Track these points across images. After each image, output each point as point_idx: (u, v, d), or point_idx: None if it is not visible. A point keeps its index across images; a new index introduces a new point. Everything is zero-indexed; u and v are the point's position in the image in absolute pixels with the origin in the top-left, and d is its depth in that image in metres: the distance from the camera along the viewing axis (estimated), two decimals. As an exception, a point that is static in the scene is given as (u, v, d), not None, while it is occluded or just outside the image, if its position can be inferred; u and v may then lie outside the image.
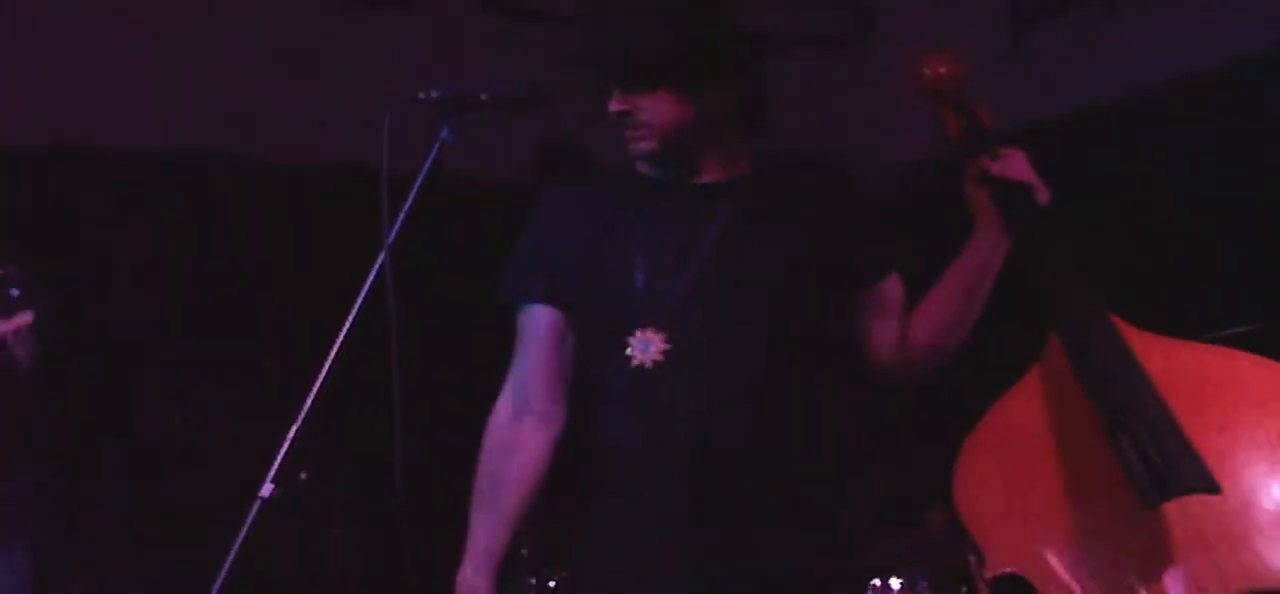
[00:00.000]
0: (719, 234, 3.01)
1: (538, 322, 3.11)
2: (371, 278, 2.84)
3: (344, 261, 3.09)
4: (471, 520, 3.08)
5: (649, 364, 2.96)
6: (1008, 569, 2.88)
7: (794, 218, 3.05)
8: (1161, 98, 5.24)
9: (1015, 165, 3.07)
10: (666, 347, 2.96)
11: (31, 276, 3.74)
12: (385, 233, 2.84)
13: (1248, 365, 3.01)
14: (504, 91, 2.97)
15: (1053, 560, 2.87)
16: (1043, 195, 3.06)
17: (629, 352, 2.97)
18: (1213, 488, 2.79)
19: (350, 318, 2.82)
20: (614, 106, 3.01)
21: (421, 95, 2.92)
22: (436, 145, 2.91)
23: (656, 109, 2.99)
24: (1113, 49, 5.41)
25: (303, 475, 2.75)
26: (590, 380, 3.08)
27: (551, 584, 4.78)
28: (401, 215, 2.86)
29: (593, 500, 3.05)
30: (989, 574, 2.90)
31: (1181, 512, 2.82)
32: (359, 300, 2.83)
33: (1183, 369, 2.96)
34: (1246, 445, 2.89)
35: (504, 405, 3.13)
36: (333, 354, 2.81)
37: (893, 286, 3.14)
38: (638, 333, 2.97)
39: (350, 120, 4.59)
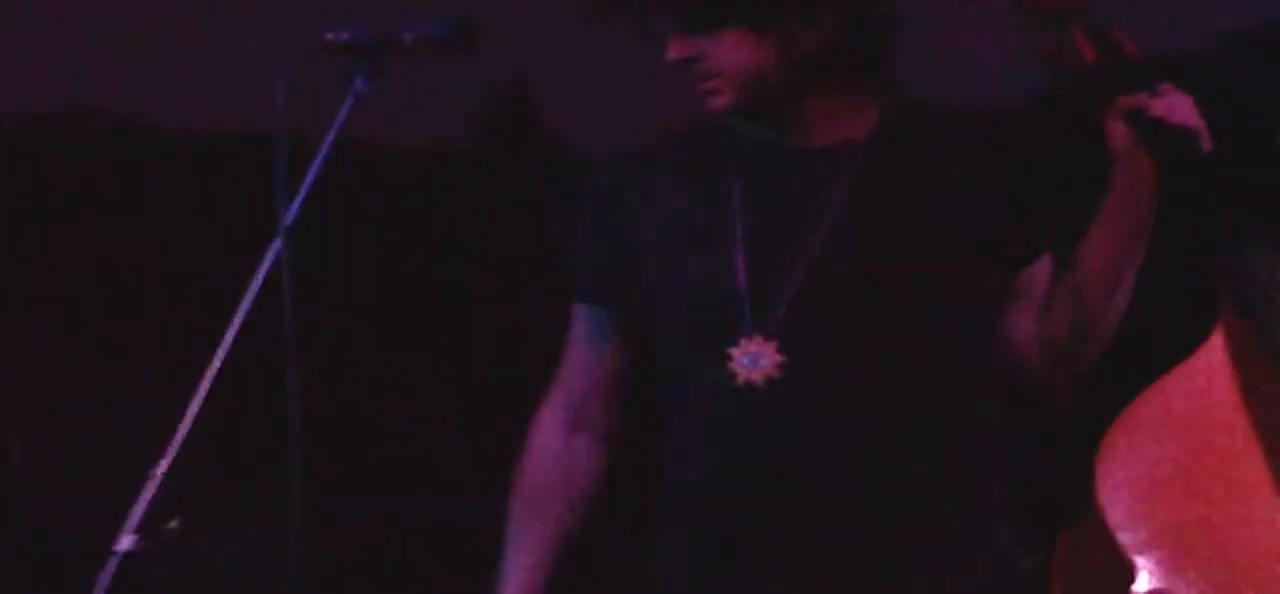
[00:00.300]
0: (839, 213, 2.83)
1: (591, 322, 2.99)
2: (265, 267, 2.71)
3: (236, 247, 2.96)
4: (509, 553, 3.00)
5: (760, 382, 2.79)
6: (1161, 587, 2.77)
7: (933, 187, 2.86)
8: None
9: (1178, 106, 2.80)
10: (781, 359, 2.79)
11: None
12: (282, 211, 2.72)
13: None
14: (431, 31, 2.83)
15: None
16: (1207, 147, 2.84)
17: (732, 366, 2.80)
18: None
19: (238, 319, 2.71)
20: (673, 53, 2.82)
21: (329, 36, 2.78)
22: (348, 100, 2.78)
23: (728, 53, 2.80)
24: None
25: (173, 523, 2.66)
26: (672, 401, 2.93)
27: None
28: (304, 189, 2.73)
29: (672, 549, 2.94)
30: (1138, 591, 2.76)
31: None
32: (248, 297, 2.71)
33: None
34: None
35: (551, 417, 3.03)
36: (215, 365, 2.69)
37: (1042, 269, 2.91)
38: (742, 342, 2.81)
39: (245, 76, 4.63)
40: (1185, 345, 2.90)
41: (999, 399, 2.91)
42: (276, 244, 2.71)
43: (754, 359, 2.79)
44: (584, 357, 3.02)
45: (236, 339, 2.69)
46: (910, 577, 2.82)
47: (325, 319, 2.77)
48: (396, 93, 2.99)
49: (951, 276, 2.84)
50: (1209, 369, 2.85)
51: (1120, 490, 2.83)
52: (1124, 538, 2.79)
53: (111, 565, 2.60)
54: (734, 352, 2.79)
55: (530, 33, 2.99)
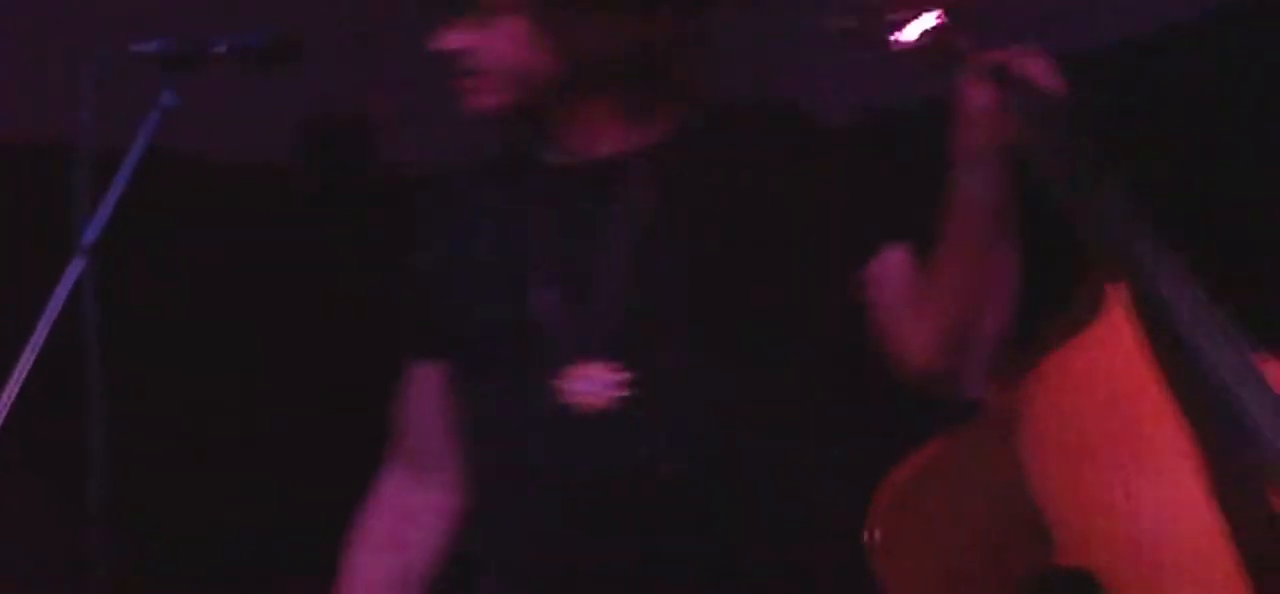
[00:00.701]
0: (641, 223, 2.84)
1: (425, 376, 3.03)
2: (65, 290, 2.71)
3: (33, 268, 2.96)
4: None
5: (605, 405, 2.81)
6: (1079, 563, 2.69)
7: (749, 185, 2.87)
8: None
9: (1036, 65, 2.71)
10: (624, 376, 2.81)
11: None
12: (83, 231, 2.72)
13: None
14: (247, 42, 2.86)
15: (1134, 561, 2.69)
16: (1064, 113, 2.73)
17: (565, 395, 2.82)
18: None
19: (35, 345, 2.70)
20: (447, 44, 2.84)
21: (136, 47, 2.80)
22: (154, 115, 2.79)
23: (503, 47, 2.82)
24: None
25: None
26: (488, 441, 2.95)
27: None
28: (107, 208, 2.73)
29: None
30: (1057, 561, 2.69)
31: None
32: (46, 321, 2.70)
33: None
34: None
35: (393, 475, 3.07)
36: (11, 390, 2.68)
37: (891, 267, 2.89)
38: (572, 369, 2.82)
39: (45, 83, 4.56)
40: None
41: (840, 394, 2.92)
42: (76, 264, 2.70)
43: (590, 384, 2.82)
44: (415, 413, 3.06)
45: (36, 361, 2.68)
46: (761, 579, 2.84)
47: (130, 347, 2.80)
48: (218, 106, 3.07)
49: (765, 277, 2.84)
50: (1111, 341, 2.72)
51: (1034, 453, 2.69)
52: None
53: None
54: (562, 379, 2.82)
55: (363, 47, 3.02)
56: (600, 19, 2.80)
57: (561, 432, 2.83)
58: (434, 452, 3.04)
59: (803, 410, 2.88)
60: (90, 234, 2.71)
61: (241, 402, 4.90)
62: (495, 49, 2.81)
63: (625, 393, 2.80)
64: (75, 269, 2.71)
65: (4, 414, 2.66)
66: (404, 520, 3.06)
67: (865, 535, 2.71)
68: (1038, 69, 2.70)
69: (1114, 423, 2.72)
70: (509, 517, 2.91)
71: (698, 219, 2.85)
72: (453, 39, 2.83)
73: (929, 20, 2.79)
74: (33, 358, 2.68)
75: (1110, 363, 2.71)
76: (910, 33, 2.80)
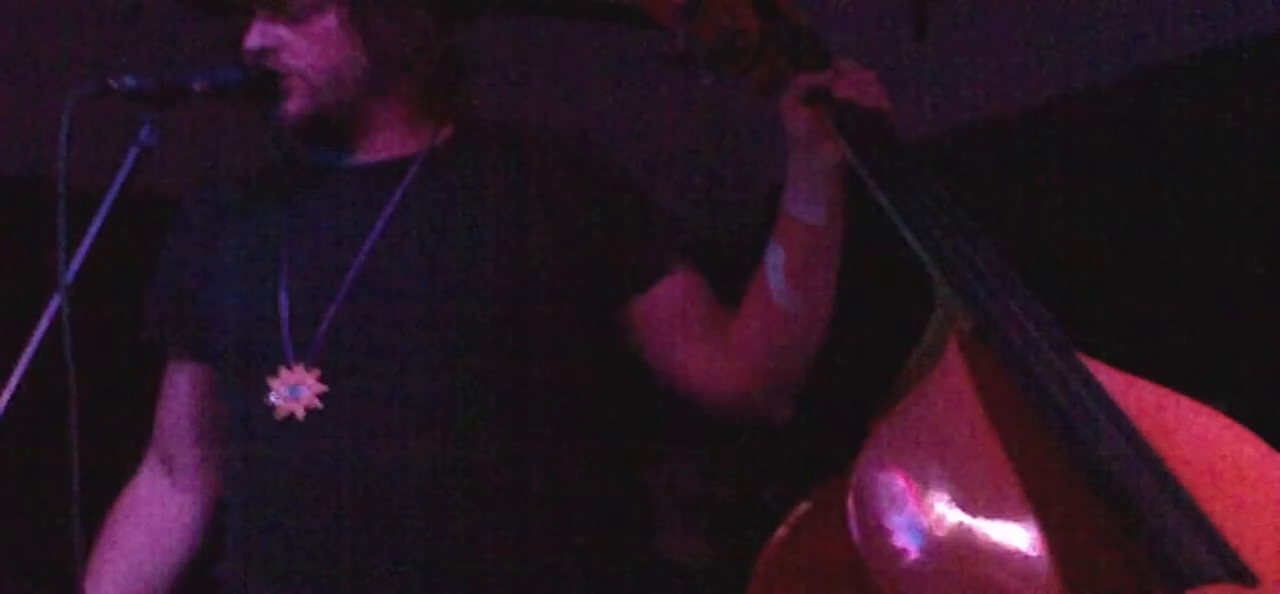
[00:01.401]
0: (386, 228, 2.82)
1: (177, 375, 3.04)
2: (42, 329, 2.67)
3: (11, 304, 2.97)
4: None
5: (300, 413, 2.77)
6: None
7: (504, 201, 2.85)
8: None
9: (864, 84, 2.69)
10: (322, 388, 2.77)
11: None
12: (61, 269, 2.65)
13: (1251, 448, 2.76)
14: (227, 78, 2.82)
15: None
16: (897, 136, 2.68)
17: (271, 399, 2.79)
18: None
19: (16, 376, 2.65)
20: (252, 41, 2.81)
21: (113, 83, 2.73)
22: (132, 153, 2.74)
23: (314, 45, 2.80)
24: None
25: None
26: (227, 440, 2.94)
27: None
28: (85, 245, 2.68)
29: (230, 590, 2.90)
30: None
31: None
32: (23, 361, 2.66)
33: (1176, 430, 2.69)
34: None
35: (144, 476, 3.07)
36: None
37: (673, 294, 2.86)
38: (282, 373, 2.79)
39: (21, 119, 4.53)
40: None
41: (578, 414, 2.87)
42: (55, 302, 2.65)
43: (294, 390, 2.79)
44: (171, 408, 3.06)
45: (13, 397, 2.64)
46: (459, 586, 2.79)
47: (107, 384, 2.77)
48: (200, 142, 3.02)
49: (509, 296, 2.81)
50: (958, 382, 2.65)
51: (884, 501, 2.60)
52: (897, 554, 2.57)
53: None
54: (273, 382, 2.79)
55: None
56: (407, 18, 2.83)
57: (267, 436, 2.80)
58: (183, 453, 3.04)
59: (518, 422, 2.81)
60: (68, 271, 2.65)
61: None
62: (308, 48, 2.80)
63: (318, 403, 2.77)
64: (53, 306, 2.66)
65: None
66: (147, 522, 3.03)
67: None
68: (862, 88, 2.67)
69: (956, 469, 2.64)
70: (237, 512, 2.89)
71: (441, 226, 2.83)
72: (255, 37, 2.81)
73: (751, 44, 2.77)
74: (9, 395, 2.64)
75: (948, 409, 2.65)
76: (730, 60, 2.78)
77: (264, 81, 2.80)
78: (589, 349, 2.88)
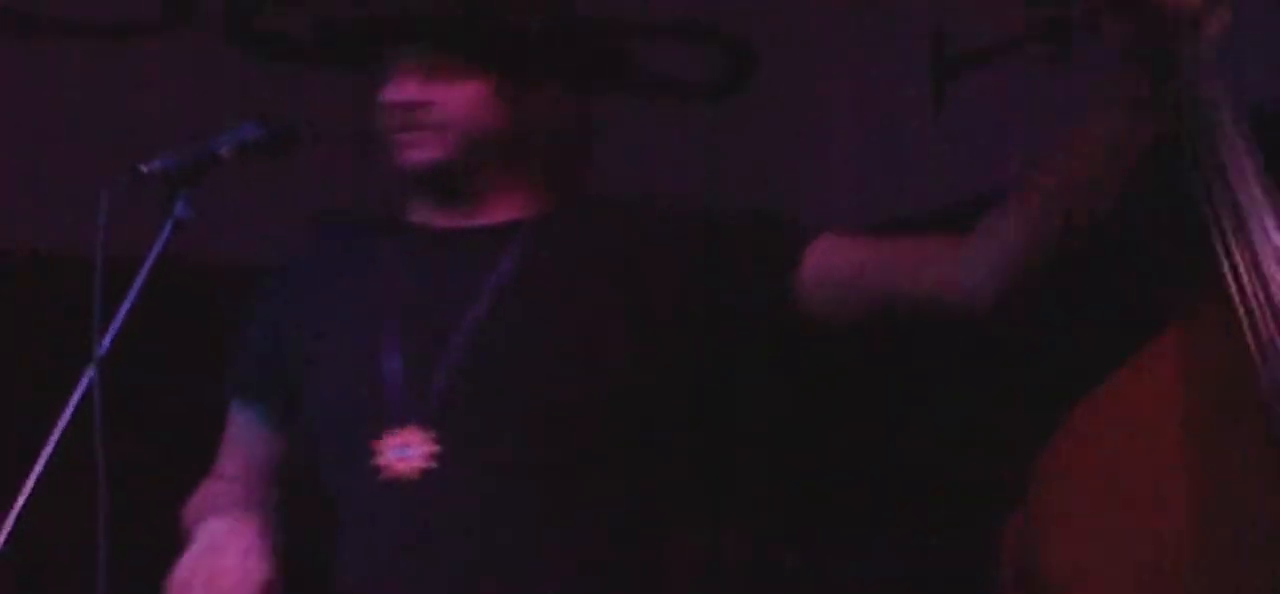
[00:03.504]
0: (499, 290, 2.86)
1: (248, 423, 3.03)
2: (76, 399, 2.70)
3: (49, 378, 2.94)
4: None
5: (411, 474, 2.80)
6: None
7: (615, 266, 2.89)
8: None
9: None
10: (434, 449, 2.80)
11: None
12: (95, 344, 2.70)
13: None
14: (250, 136, 2.87)
15: None
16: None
17: (379, 460, 2.81)
18: None
19: (49, 448, 2.68)
20: (400, 94, 2.87)
21: (144, 169, 2.78)
22: (167, 227, 2.79)
23: (461, 106, 2.85)
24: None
25: None
26: (333, 501, 2.93)
27: None
28: (119, 317, 2.72)
29: None
30: None
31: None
32: (60, 426, 2.69)
33: None
34: None
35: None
36: (23, 496, 2.66)
37: (836, 255, 2.83)
38: (391, 434, 2.81)
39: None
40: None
41: (684, 457, 2.92)
42: (88, 374, 2.69)
43: (402, 450, 2.81)
44: (234, 452, 3.04)
45: (46, 467, 2.67)
46: None
47: (140, 457, 2.79)
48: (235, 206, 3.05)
49: (622, 350, 2.85)
50: (1156, 371, 2.67)
51: (1060, 508, 2.65)
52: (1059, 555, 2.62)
53: None
54: (379, 444, 2.82)
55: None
56: (550, 96, 2.89)
57: (375, 497, 2.83)
58: (245, 491, 2.98)
59: (623, 481, 2.85)
60: (102, 345, 2.70)
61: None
62: (455, 108, 2.84)
63: (432, 463, 2.80)
64: (86, 379, 2.69)
65: (12, 524, 2.66)
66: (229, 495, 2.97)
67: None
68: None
69: (1131, 461, 2.65)
70: (345, 571, 2.89)
71: (555, 290, 2.87)
72: (406, 90, 2.86)
73: None
74: (42, 466, 2.67)
75: (1141, 396, 2.66)
76: None
77: (286, 135, 2.88)
78: (692, 415, 2.92)
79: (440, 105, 2.84)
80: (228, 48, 5.50)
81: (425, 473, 2.79)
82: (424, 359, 2.84)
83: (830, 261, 2.82)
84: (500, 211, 2.92)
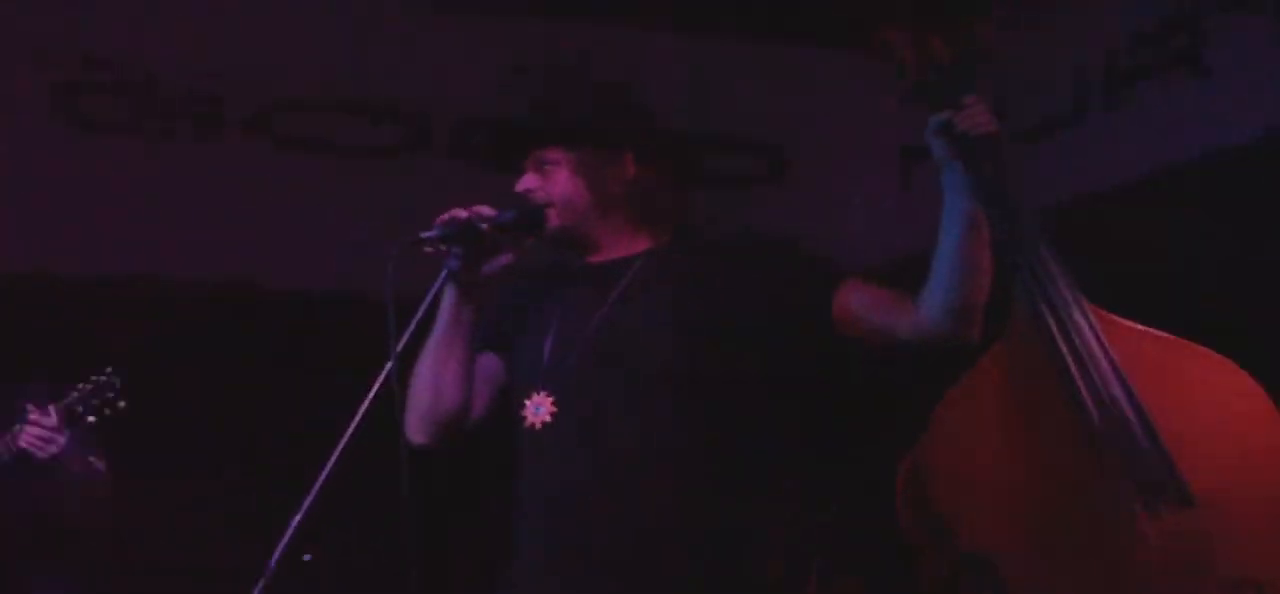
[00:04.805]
0: (611, 307, 2.82)
1: (484, 362, 2.96)
2: (377, 384, 2.69)
3: (335, 381, 3.01)
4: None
5: (539, 426, 2.80)
6: (977, 549, 2.64)
7: (694, 283, 2.81)
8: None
9: (978, 115, 2.61)
10: (554, 409, 2.79)
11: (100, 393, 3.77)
12: (392, 360, 2.70)
13: (1204, 359, 2.69)
14: (506, 219, 2.81)
15: (1021, 547, 2.62)
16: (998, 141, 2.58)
17: (524, 413, 2.82)
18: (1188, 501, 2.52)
19: (350, 431, 2.68)
20: (524, 184, 2.85)
21: (423, 235, 2.76)
22: (443, 275, 2.78)
23: (558, 185, 2.82)
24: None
25: (306, 557, 2.72)
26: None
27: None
28: (409, 330, 2.73)
29: (506, 552, 2.89)
30: (961, 550, 2.65)
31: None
32: (358, 416, 2.68)
33: (1142, 356, 2.64)
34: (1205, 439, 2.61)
35: None
36: (340, 447, 2.68)
37: (853, 297, 2.77)
38: (533, 396, 2.81)
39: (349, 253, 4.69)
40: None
41: (754, 428, 2.81)
42: (388, 366, 2.67)
43: (537, 408, 2.80)
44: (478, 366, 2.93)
45: (347, 446, 2.65)
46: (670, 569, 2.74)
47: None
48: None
49: (711, 343, 2.76)
50: (993, 368, 2.71)
51: (946, 454, 2.70)
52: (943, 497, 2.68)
53: (262, 581, 2.56)
54: (527, 402, 2.81)
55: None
56: (618, 165, 2.84)
57: (524, 439, 2.83)
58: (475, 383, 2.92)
59: (698, 439, 2.78)
60: (395, 347, 2.71)
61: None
62: (555, 187, 2.83)
63: (550, 418, 2.79)
64: (385, 370, 2.71)
65: (318, 488, 2.64)
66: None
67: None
68: (971, 121, 2.60)
69: (1016, 414, 2.67)
70: (518, 487, 2.87)
71: (655, 302, 2.81)
72: (525, 183, 2.84)
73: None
74: (351, 432, 2.67)
75: (985, 384, 2.69)
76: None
77: (530, 218, 2.82)
78: (753, 389, 2.84)
79: (545, 189, 2.82)
80: (452, 160, 5.66)
81: (546, 424, 2.80)
82: (567, 345, 2.81)
83: (851, 297, 2.76)
84: (614, 250, 2.86)
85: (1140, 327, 2.67)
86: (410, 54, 5.52)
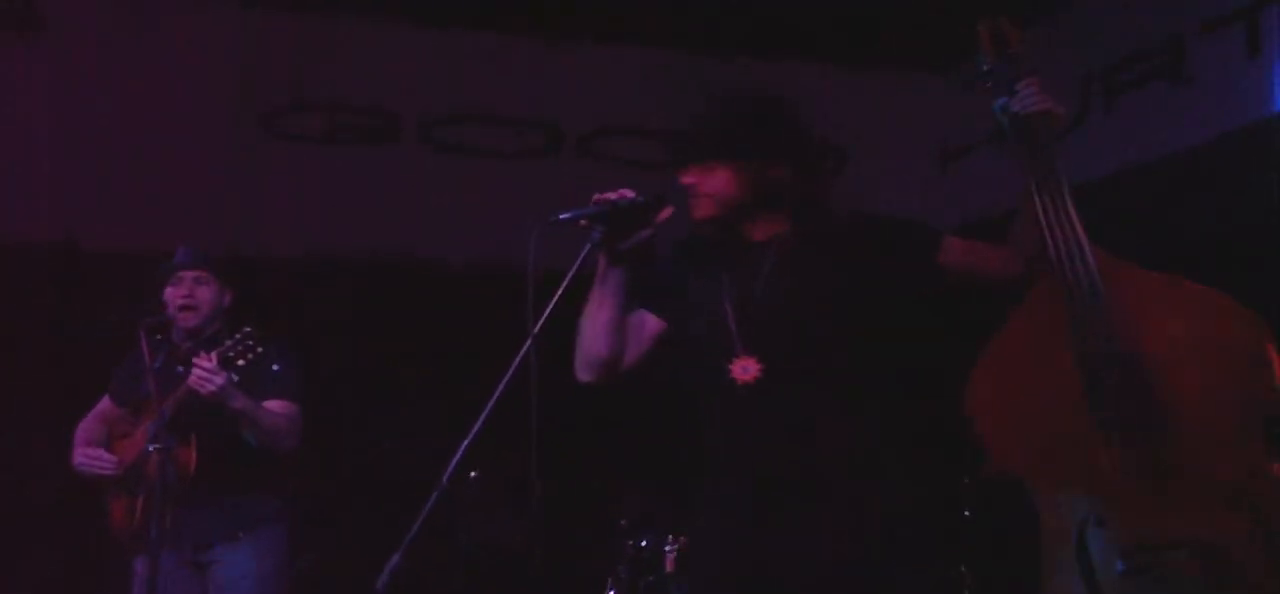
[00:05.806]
0: (766, 278, 2.63)
1: (642, 320, 2.74)
2: (518, 358, 2.39)
3: (485, 344, 2.77)
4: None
5: (750, 381, 2.57)
6: (1007, 469, 2.47)
7: (831, 255, 2.63)
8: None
9: (1027, 95, 2.53)
10: (761, 368, 2.57)
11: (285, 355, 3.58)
12: (531, 323, 2.42)
13: (1187, 286, 2.52)
14: (631, 201, 2.56)
15: (1043, 462, 2.45)
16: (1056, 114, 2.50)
17: (732, 373, 2.58)
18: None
19: (495, 397, 2.40)
20: (685, 180, 2.62)
21: (563, 216, 2.50)
22: (586, 247, 2.51)
23: (715, 182, 2.61)
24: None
25: (473, 473, 2.52)
26: (696, 399, 2.67)
27: (644, 544, 4.16)
28: (547, 310, 2.42)
29: (706, 487, 2.66)
30: (992, 471, 2.48)
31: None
32: (504, 382, 2.40)
33: (1132, 282, 2.50)
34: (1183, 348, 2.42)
35: None
36: (498, 392, 2.40)
37: (953, 250, 2.63)
38: (740, 358, 2.58)
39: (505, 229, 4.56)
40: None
41: (890, 385, 2.63)
42: (527, 343, 2.40)
43: (745, 369, 2.59)
44: (634, 321, 2.73)
45: (491, 413, 2.38)
46: (847, 503, 2.57)
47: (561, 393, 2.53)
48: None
49: (851, 307, 2.61)
50: (1035, 302, 2.59)
51: (983, 386, 2.56)
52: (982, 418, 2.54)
53: (435, 495, 2.31)
54: (732, 365, 2.59)
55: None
56: (772, 168, 2.62)
57: (729, 397, 2.59)
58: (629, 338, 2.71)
59: (863, 387, 2.62)
60: (535, 327, 2.42)
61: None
62: (712, 184, 2.62)
63: (760, 375, 2.58)
64: (525, 347, 2.42)
65: (464, 449, 2.39)
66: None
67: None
68: (1027, 98, 2.54)
69: (1032, 356, 2.54)
70: (712, 443, 2.64)
71: (811, 273, 2.63)
72: (688, 178, 2.63)
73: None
74: (482, 422, 2.39)
75: (1036, 315, 2.54)
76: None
77: (653, 201, 2.57)
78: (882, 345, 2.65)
79: (706, 184, 2.62)
80: (579, 161, 5.44)
81: (757, 380, 2.60)
82: (749, 313, 2.61)
83: (953, 247, 2.62)
84: (764, 232, 2.66)
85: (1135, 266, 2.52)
86: (541, 77, 5.39)
